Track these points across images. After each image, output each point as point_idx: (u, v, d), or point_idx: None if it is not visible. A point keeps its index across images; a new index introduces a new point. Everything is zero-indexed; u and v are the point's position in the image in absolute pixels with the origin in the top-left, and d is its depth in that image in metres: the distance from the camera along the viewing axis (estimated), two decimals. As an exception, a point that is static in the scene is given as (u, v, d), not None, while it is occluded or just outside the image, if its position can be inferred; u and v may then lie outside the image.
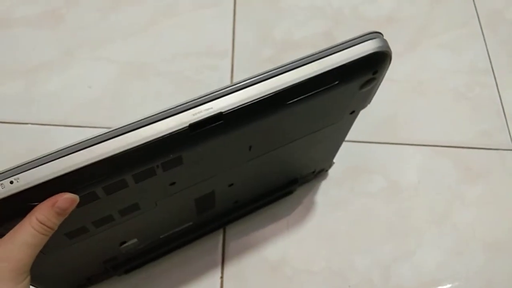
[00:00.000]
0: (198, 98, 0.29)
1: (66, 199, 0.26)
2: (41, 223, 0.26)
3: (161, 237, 0.44)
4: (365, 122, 0.50)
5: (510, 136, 0.61)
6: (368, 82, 0.34)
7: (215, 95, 0.29)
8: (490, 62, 0.66)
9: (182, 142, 0.28)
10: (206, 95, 0.29)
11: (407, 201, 0.56)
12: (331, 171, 0.56)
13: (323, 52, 0.31)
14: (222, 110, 0.28)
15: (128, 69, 0.60)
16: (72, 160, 0.26)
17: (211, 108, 0.28)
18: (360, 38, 0.31)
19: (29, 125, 0.55)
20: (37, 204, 0.26)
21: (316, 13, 0.68)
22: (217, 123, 0.28)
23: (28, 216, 0.26)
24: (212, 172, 0.36)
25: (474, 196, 0.57)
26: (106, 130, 0.27)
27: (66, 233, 0.32)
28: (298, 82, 0.30)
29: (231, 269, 0.50)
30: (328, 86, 0.31)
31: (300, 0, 0.68)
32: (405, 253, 0.53)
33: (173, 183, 0.33)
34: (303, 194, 0.54)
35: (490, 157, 0.59)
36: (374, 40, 0.31)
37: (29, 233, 0.26)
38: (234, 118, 0.29)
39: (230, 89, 0.29)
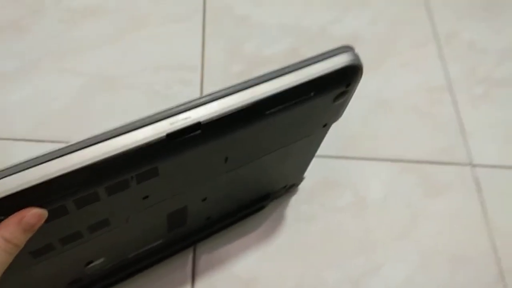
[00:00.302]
0: (176, 107, 0.28)
1: (34, 215, 0.25)
2: (6, 241, 0.24)
3: (129, 256, 0.43)
4: (332, 138, 0.50)
5: (468, 152, 0.64)
6: (341, 94, 0.35)
7: (193, 104, 0.28)
8: (449, 80, 0.70)
9: (158, 152, 0.28)
10: (184, 104, 0.28)
11: (374, 216, 0.57)
12: (300, 186, 0.56)
13: (298, 64, 0.31)
14: (201, 120, 0.28)
15: (94, 82, 0.58)
16: (43, 170, 0.24)
17: (189, 117, 0.28)
18: (333, 52, 0.32)
19: (-13, 139, 0.52)
20: (2, 219, 0.25)
21: (285, 30, 0.69)
22: (195, 133, 0.28)
23: None
24: (187, 185, 0.36)
25: (436, 210, 0.59)
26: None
27: (31, 251, 0.30)
28: (276, 93, 0.30)
29: (201, 287, 0.49)
30: (304, 97, 0.32)
31: (269, 17, 0.69)
32: (373, 268, 0.53)
33: (146, 197, 0.32)
34: (274, 209, 0.54)
35: (451, 173, 0.62)
36: (346, 53, 0.32)
37: None
38: (213, 128, 0.29)
39: (209, 98, 0.29)
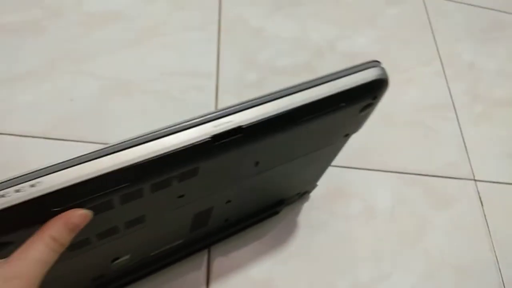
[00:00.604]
0: (219, 111, 0.29)
1: (81, 215, 0.26)
2: (54, 239, 0.25)
3: (151, 254, 0.43)
4: (342, 149, 0.52)
5: (471, 167, 0.66)
6: (367, 106, 0.36)
7: (235, 109, 0.30)
8: (452, 98, 0.72)
9: (202, 153, 0.29)
10: (227, 108, 0.30)
11: (382, 225, 0.58)
12: (312, 194, 0.57)
13: (330, 76, 0.33)
14: (242, 124, 0.29)
15: (111, 85, 0.59)
16: (97, 165, 0.25)
17: (232, 121, 0.29)
18: (363, 66, 0.34)
19: (5, 135, 0.52)
20: (57, 211, 0.25)
21: (297, 44, 0.71)
22: (236, 136, 0.29)
23: (39, 232, 0.25)
24: (218, 186, 0.37)
25: (442, 222, 0.60)
26: (114, 142, 0.27)
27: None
28: (311, 102, 0.32)
29: (216, 289, 0.49)
30: (336, 107, 0.33)
31: (282, 31, 0.71)
32: (381, 276, 0.55)
33: (182, 196, 0.33)
34: (287, 215, 0.55)
35: (455, 187, 0.64)
36: (375, 68, 0.34)
37: (41, 250, 0.25)
38: (252, 132, 0.30)
39: (249, 104, 0.30)
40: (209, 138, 0.28)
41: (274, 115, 0.30)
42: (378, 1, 0.81)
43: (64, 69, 0.58)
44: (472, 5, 0.87)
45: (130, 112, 0.58)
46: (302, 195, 0.55)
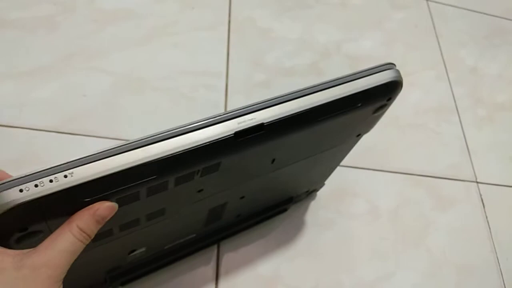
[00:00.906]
0: (242, 109, 0.30)
1: (107, 207, 0.27)
2: (81, 230, 0.26)
3: (165, 248, 0.44)
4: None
5: (473, 170, 0.67)
6: (381, 107, 0.38)
7: (258, 106, 0.31)
8: (455, 102, 0.74)
9: (225, 148, 0.30)
10: (249, 106, 0.31)
11: (387, 225, 0.59)
12: (319, 192, 0.58)
13: (348, 77, 0.34)
14: (264, 121, 0.30)
15: (123, 82, 0.60)
16: (128, 158, 0.26)
17: (254, 118, 0.30)
18: (379, 68, 0.35)
19: (20, 129, 0.53)
20: (88, 201, 0.26)
21: (304, 45, 0.72)
22: (258, 133, 0.30)
23: (67, 223, 0.26)
24: (235, 182, 0.37)
25: (444, 223, 0.62)
26: (147, 135, 0.28)
27: None
28: (331, 101, 0.33)
29: (225, 284, 0.50)
30: (353, 107, 0.34)
31: (290, 32, 0.73)
32: (385, 274, 0.56)
33: (201, 190, 0.34)
34: (294, 213, 0.56)
35: (458, 188, 0.65)
36: (391, 70, 0.35)
37: (69, 240, 0.26)
38: (273, 130, 0.31)
39: (271, 102, 0.31)
40: (232, 134, 0.29)
41: (295, 113, 0.31)
42: (384, 6, 0.83)
43: (76, 65, 0.59)
44: (475, 11, 0.89)
45: (141, 108, 0.59)
46: (310, 193, 0.56)
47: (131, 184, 0.27)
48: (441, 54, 0.79)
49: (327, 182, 0.56)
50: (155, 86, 0.61)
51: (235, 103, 0.63)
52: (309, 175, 0.49)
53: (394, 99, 0.38)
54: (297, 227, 0.56)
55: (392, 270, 0.56)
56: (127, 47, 0.63)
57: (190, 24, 0.68)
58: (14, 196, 0.23)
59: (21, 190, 0.23)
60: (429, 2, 0.87)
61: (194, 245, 0.47)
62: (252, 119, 0.30)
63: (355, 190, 0.61)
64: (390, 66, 0.36)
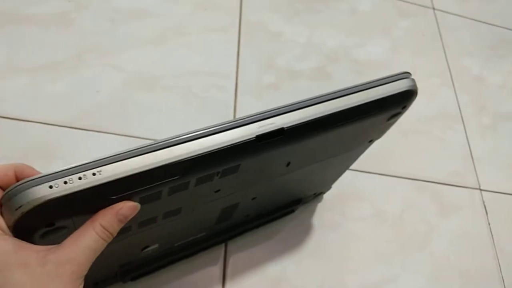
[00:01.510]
0: (263, 113, 0.31)
1: (130, 207, 0.27)
2: (104, 229, 0.27)
3: (175, 245, 0.45)
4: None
5: (477, 177, 0.68)
6: (396, 115, 0.39)
7: (278, 111, 0.32)
8: (460, 110, 0.75)
9: (246, 151, 0.31)
10: (270, 111, 0.32)
11: (391, 228, 0.60)
12: (325, 195, 0.59)
13: (366, 85, 0.35)
14: (284, 126, 0.31)
15: (136, 79, 0.61)
16: (154, 158, 0.27)
17: (275, 122, 0.31)
18: (396, 77, 0.36)
19: (33, 123, 0.53)
20: (114, 199, 0.27)
21: (313, 49, 0.73)
22: (278, 137, 0.31)
23: (91, 221, 0.27)
24: (251, 183, 0.38)
25: (448, 228, 0.63)
26: (171, 136, 0.28)
27: None
28: (349, 107, 0.34)
29: (232, 284, 0.50)
30: (370, 114, 0.35)
31: (300, 36, 0.74)
32: (390, 277, 0.56)
33: (218, 190, 0.35)
34: (301, 214, 0.57)
35: (461, 195, 0.66)
36: (407, 79, 0.36)
37: (92, 237, 0.26)
38: (292, 134, 0.32)
39: (290, 107, 0.32)
40: (253, 138, 0.30)
41: (314, 119, 0.32)
42: (391, 13, 0.84)
43: (90, 62, 0.60)
44: (480, 21, 0.90)
45: (153, 106, 0.59)
46: (317, 195, 0.57)
47: (156, 183, 0.28)
48: (447, 62, 0.80)
49: (333, 185, 0.56)
50: (167, 84, 0.62)
51: (244, 104, 0.63)
52: (319, 178, 0.49)
53: (408, 107, 0.38)
54: (304, 229, 0.56)
55: (396, 273, 0.57)
56: (140, 45, 0.64)
57: (202, 25, 0.69)
58: (44, 192, 0.24)
59: (50, 187, 0.24)
60: (436, 11, 0.88)
61: (203, 243, 0.48)
62: (272, 123, 0.31)
63: (360, 193, 0.62)
64: (406, 75, 0.37)
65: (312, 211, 0.58)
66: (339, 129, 0.35)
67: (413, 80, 0.36)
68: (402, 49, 0.79)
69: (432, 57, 0.80)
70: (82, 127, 0.55)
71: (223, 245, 0.52)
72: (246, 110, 0.62)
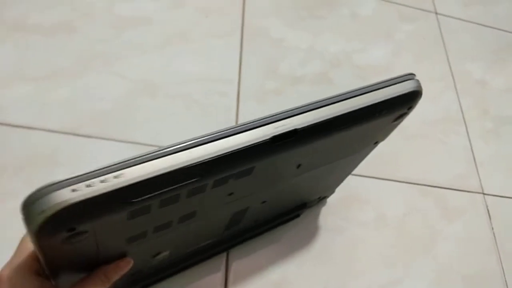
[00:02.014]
0: (277, 114, 0.31)
1: (127, 263, 0.34)
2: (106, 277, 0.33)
3: (186, 251, 0.45)
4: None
5: (480, 181, 0.68)
6: (401, 115, 0.39)
7: (291, 113, 0.32)
8: (462, 114, 0.75)
9: (261, 153, 0.31)
10: (284, 112, 0.32)
11: (394, 233, 0.60)
12: (329, 199, 0.59)
13: (373, 86, 0.35)
14: (297, 127, 0.31)
15: (139, 86, 0.61)
16: (174, 160, 0.27)
17: (288, 124, 0.31)
18: (401, 78, 0.36)
19: (37, 130, 0.54)
20: (134, 202, 0.27)
21: (315, 55, 0.73)
22: (292, 138, 0.31)
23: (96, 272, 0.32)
24: (262, 186, 0.38)
25: (451, 233, 0.62)
26: (183, 141, 0.28)
27: (128, 237, 0.32)
28: (359, 108, 0.34)
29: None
30: (379, 114, 0.36)
31: (302, 42, 0.74)
32: (393, 281, 0.56)
33: (231, 193, 0.35)
34: (304, 219, 0.57)
35: (464, 199, 0.66)
36: (412, 80, 0.36)
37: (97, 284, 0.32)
38: (305, 135, 0.32)
39: (302, 109, 0.32)
40: (269, 139, 0.30)
41: (327, 119, 0.32)
42: (393, 18, 0.84)
43: (94, 69, 0.60)
44: (482, 25, 0.91)
45: (157, 113, 0.60)
46: (321, 199, 0.57)
47: (176, 186, 0.28)
48: (449, 66, 0.80)
49: (336, 189, 0.57)
50: (170, 91, 0.62)
51: (246, 110, 0.64)
52: (325, 181, 0.50)
53: (414, 107, 0.39)
54: (307, 233, 0.57)
55: (399, 277, 0.57)
56: (143, 53, 0.64)
57: (204, 31, 0.69)
58: (68, 195, 0.24)
59: (73, 190, 0.24)
60: (438, 15, 0.88)
61: (212, 249, 0.48)
62: (286, 124, 0.31)
63: (363, 198, 0.62)
64: (411, 76, 0.37)
65: (316, 215, 0.58)
66: (349, 130, 0.35)
67: (418, 81, 0.37)
68: (404, 53, 0.80)
69: (434, 61, 0.81)
70: (85, 134, 0.55)
71: (225, 252, 0.53)
72: (248, 115, 0.63)
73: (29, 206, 0.24)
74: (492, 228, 0.64)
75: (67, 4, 0.64)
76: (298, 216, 0.55)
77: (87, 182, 0.24)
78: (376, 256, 0.58)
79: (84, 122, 0.56)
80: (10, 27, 0.60)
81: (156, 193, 0.27)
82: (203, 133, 0.29)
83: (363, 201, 0.62)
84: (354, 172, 0.62)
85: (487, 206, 0.66)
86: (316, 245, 0.56)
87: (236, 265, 0.52)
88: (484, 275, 0.60)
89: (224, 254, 0.52)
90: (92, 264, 0.32)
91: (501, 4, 0.96)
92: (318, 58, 0.73)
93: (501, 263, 0.62)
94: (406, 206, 0.63)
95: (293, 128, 0.31)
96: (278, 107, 0.33)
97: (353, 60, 0.75)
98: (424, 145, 0.70)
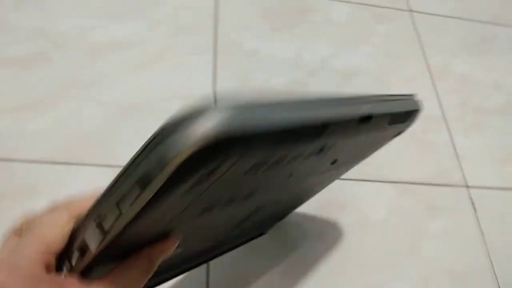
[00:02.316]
0: (359, 97, 0.31)
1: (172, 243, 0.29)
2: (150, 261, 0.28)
3: (191, 251, 0.42)
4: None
5: (463, 175, 0.68)
6: (400, 132, 0.40)
7: (368, 100, 0.32)
8: (442, 109, 0.75)
9: (346, 131, 0.29)
10: (365, 97, 0.31)
11: (378, 234, 0.60)
12: (309, 205, 0.59)
13: (396, 96, 0.36)
14: (373, 112, 0.31)
15: (116, 110, 0.62)
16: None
17: (364, 108, 0.30)
18: (406, 96, 0.38)
19: (16, 162, 0.55)
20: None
21: (290, 64, 0.74)
22: (368, 122, 0.31)
23: (137, 255, 0.27)
24: (306, 176, 0.37)
25: (436, 229, 0.62)
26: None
27: (207, 206, 0.28)
28: (397, 111, 0.35)
29: (218, 301, 0.51)
30: (400, 122, 0.37)
31: (276, 52, 0.75)
32: (378, 284, 0.56)
33: (291, 175, 0.33)
34: (285, 227, 0.58)
35: (448, 194, 0.66)
36: (415, 100, 0.38)
37: (142, 267, 0.27)
38: (373, 122, 0.32)
39: (377, 98, 0.33)
40: (358, 117, 0.29)
41: (388, 112, 0.33)
42: (367, 20, 0.85)
43: (70, 97, 0.62)
44: (459, 18, 0.91)
45: (136, 134, 0.61)
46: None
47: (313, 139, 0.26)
48: (426, 62, 0.81)
49: (316, 194, 0.57)
50: (147, 112, 0.64)
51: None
52: (321, 187, 0.50)
53: (411, 126, 0.40)
54: (288, 240, 0.57)
55: (385, 279, 0.57)
56: (119, 76, 0.66)
57: (178, 50, 0.71)
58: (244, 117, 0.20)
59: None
60: (413, 13, 0.89)
61: (214, 251, 0.47)
62: (367, 108, 0.30)
63: (344, 201, 0.62)
64: (413, 96, 0.39)
65: (297, 223, 0.59)
66: (382, 132, 0.36)
67: (420, 101, 0.39)
68: (381, 54, 0.80)
69: (411, 59, 0.81)
70: (65, 161, 0.57)
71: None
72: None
73: (182, 123, 0.19)
74: (478, 221, 0.64)
75: (40, 36, 0.66)
76: (280, 219, 0.55)
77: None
78: (360, 260, 0.58)
79: (63, 150, 0.57)
80: (-13, 63, 0.62)
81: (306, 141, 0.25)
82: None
83: (344, 204, 0.62)
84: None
85: (471, 199, 0.66)
86: (297, 251, 0.56)
87: (216, 276, 0.53)
88: (473, 269, 0.60)
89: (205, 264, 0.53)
90: (134, 246, 0.27)
91: (477, -4, 0.96)
92: (293, 67, 0.74)
93: (489, 256, 0.62)
94: (388, 207, 0.63)
95: (369, 113, 0.30)
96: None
97: (331, 66, 0.76)
98: (404, 144, 0.70)
